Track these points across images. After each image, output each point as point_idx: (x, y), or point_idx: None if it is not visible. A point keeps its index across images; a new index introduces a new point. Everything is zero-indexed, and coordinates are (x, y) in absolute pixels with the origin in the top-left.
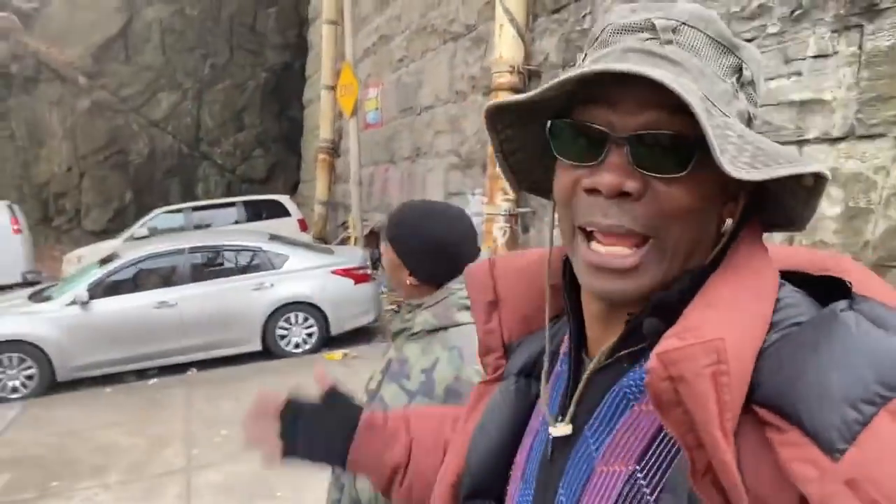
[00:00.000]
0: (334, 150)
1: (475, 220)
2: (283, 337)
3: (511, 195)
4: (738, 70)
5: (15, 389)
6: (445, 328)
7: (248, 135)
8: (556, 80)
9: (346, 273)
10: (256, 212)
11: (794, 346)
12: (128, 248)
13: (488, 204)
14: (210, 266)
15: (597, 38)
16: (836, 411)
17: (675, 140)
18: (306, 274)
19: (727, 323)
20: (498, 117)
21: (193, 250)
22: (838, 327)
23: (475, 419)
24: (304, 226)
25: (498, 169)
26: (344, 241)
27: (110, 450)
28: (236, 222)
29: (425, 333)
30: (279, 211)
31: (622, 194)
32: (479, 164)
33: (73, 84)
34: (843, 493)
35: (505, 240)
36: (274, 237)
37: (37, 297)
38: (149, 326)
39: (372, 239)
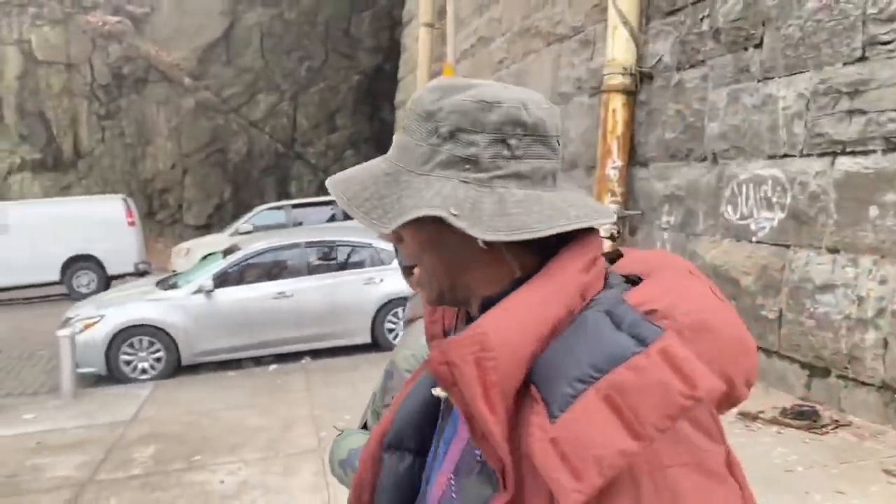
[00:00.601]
0: None
1: None
2: (391, 330)
3: (619, 197)
4: (435, 130)
5: (144, 371)
6: (412, 320)
7: (340, 136)
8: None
9: None
10: None
11: (561, 337)
12: (247, 241)
13: None
14: (325, 260)
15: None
16: (561, 387)
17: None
18: None
19: (505, 319)
20: None
21: (310, 245)
22: (582, 323)
23: (409, 388)
24: None
25: (607, 170)
26: None
27: (243, 429)
28: (332, 219)
29: (406, 323)
30: None
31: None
32: (582, 166)
33: (178, 85)
34: (547, 447)
35: (612, 242)
36: None
37: (164, 285)
38: (267, 316)
39: None
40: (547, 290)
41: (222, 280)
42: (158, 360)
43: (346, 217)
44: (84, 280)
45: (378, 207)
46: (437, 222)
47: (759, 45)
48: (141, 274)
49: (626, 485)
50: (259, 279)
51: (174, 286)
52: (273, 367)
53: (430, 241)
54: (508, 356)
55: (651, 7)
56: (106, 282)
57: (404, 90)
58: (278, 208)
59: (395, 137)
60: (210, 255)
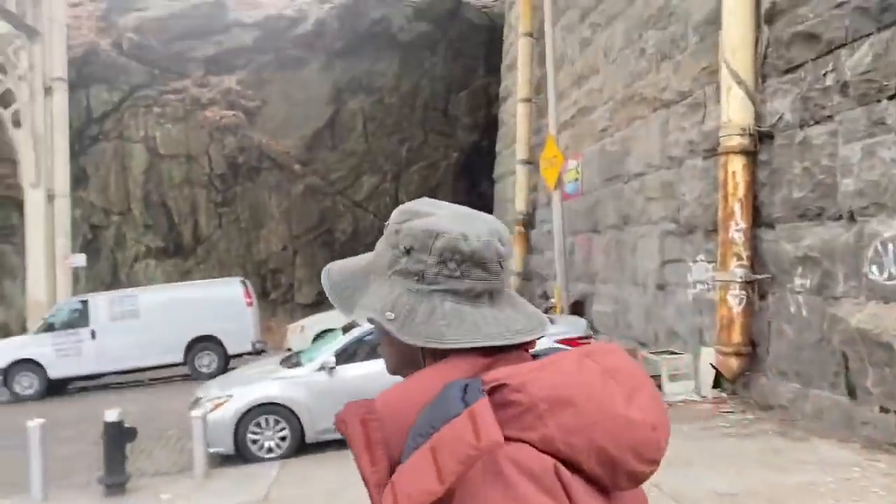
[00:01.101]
0: (529, 222)
1: (698, 288)
2: None
3: (745, 260)
4: (397, 245)
5: (270, 450)
6: None
7: None
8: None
9: (571, 343)
10: None
11: (428, 404)
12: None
13: (719, 270)
14: None
15: (474, 254)
16: (410, 441)
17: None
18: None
19: (395, 392)
20: None
21: None
22: (442, 393)
23: None
24: None
25: (731, 234)
26: (547, 311)
27: None
28: None
29: None
30: None
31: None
32: (700, 229)
33: (288, 171)
34: (388, 489)
35: (741, 308)
36: None
37: (288, 363)
38: None
39: (577, 308)
40: (435, 372)
41: (344, 357)
42: (284, 438)
43: None
44: (205, 360)
45: (347, 298)
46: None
47: (893, 97)
48: (258, 353)
49: None
50: (378, 355)
51: (298, 364)
52: None
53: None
54: (391, 418)
55: (766, 66)
56: (225, 361)
57: (502, 164)
58: None
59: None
60: (328, 331)
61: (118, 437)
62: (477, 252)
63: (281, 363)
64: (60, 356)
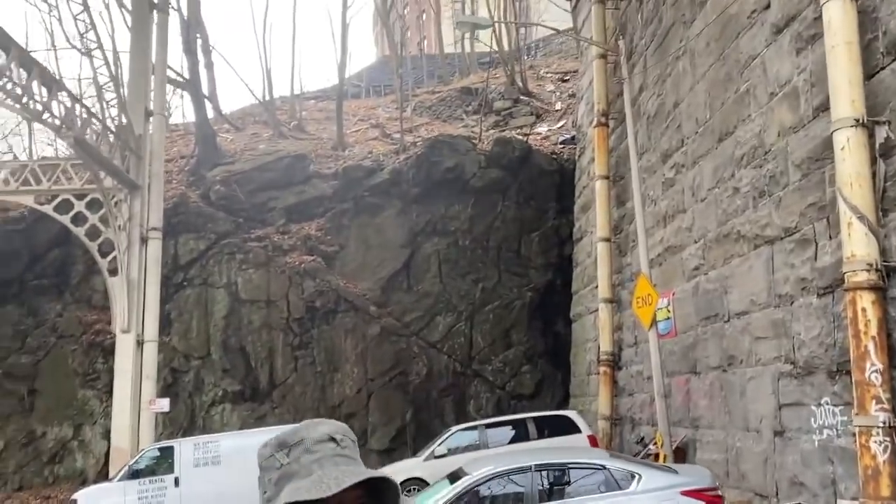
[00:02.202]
0: (615, 362)
1: (825, 434)
2: None
3: (886, 403)
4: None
5: None
6: None
7: (516, 352)
8: (326, 491)
9: (698, 495)
10: (546, 428)
11: None
12: (470, 465)
13: (857, 415)
14: (556, 485)
15: (298, 443)
16: None
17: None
18: (653, 495)
19: None
20: None
21: (539, 468)
22: None
23: None
24: (594, 442)
25: (867, 375)
26: (647, 458)
27: None
28: (516, 440)
29: None
30: (568, 427)
31: None
32: (822, 370)
33: (364, 313)
34: None
35: (886, 456)
36: (614, 455)
37: None
38: None
39: (679, 456)
40: None
41: None
42: None
43: (541, 435)
44: None
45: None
46: None
47: None
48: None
49: None
50: None
51: None
52: None
53: None
54: None
55: (886, 200)
56: None
57: (579, 303)
58: (472, 428)
59: (343, 451)
60: (410, 480)
61: None
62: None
63: None
64: None
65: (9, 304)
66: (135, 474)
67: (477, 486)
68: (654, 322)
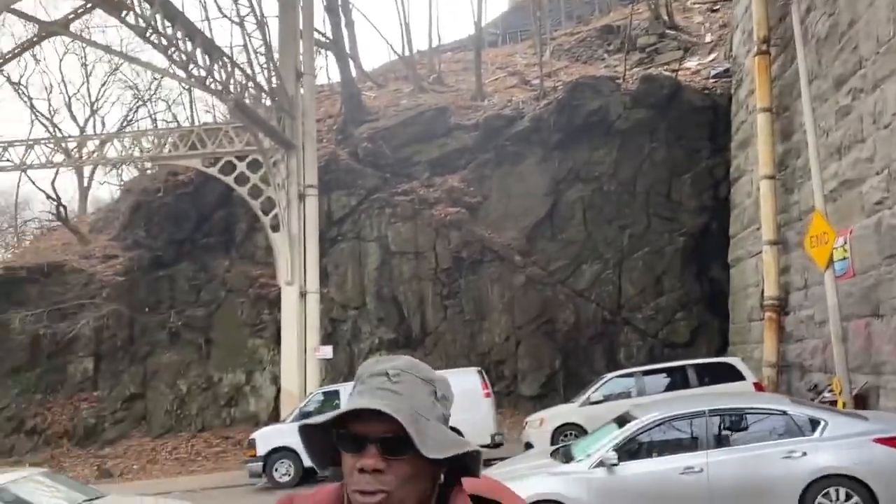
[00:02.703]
0: (781, 307)
1: None
2: None
3: None
4: (434, 392)
5: None
6: None
7: (668, 299)
8: (333, 413)
9: (894, 443)
10: (706, 375)
11: None
12: (638, 410)
13: None
14: (732, 430)
15: (358, 378)
16: None
17: (400, 440)
18: (842, 443)
19: None
20: (304, 428)
21: (714, 413)
22: None
23: None
24: (759, 390)
25: None
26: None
27: None
28: (672, 387)
29: None
30: (731, 374)
31: (375, 470)
32: None
33: (510, 263)
34: None
35: None
36: (795, 401)
37: (560, 457)
38: (677, 493)
39: (859, 403)
40: None
41: (626, 452)
42: None
43: (702, 382)
44: None
45: (420, 434)
46: (426, 460)
47: None
48: (497, 445)
49: None
50: (661, 452)
51: (571, 459)
52: None
53: (418, 473)
54: None
55: None
56: None
57: (739, 247)
58: (628, 375)
59: (384, 385)
60: (568, 425)
61: None
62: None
63: (552, 456)
64: None
65: (183, 262)
66: (305, 416)
67: (647, 429)
68: (830, 262)
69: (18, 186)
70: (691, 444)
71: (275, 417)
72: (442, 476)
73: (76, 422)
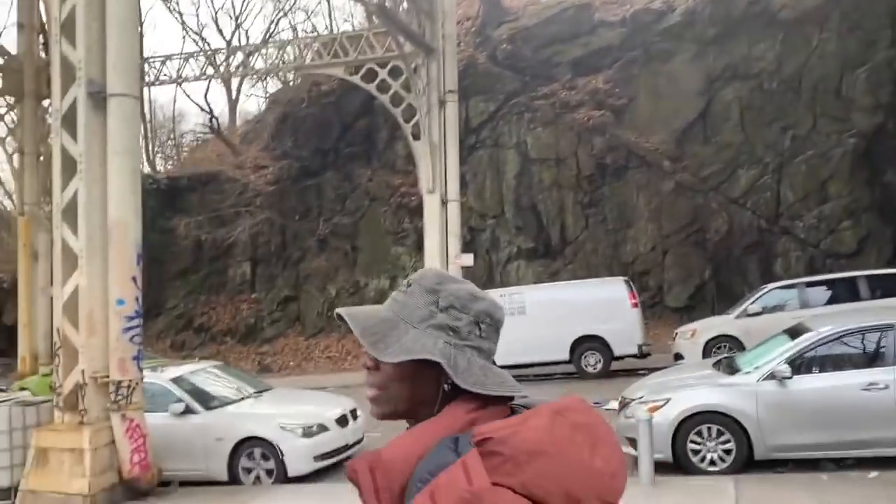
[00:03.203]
0: None
1: None
2: None
3: None
4: (436, 301)
5: (713, 462)
6: None
7: (834, 206)
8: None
9: None
10: (879, 288)
11: (426, 456)
12: (815, 322)
13: None
14: None
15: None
16: (412, 487)
17: None
18: None
19: (400, 441)
20: None
21: None
22: (437, 446)
23: None
24: None
25: None
26: None
27: None
28: (856, 299)
29: None
30: None
31: (368, 368)
32: None
33: (657, 168)
34: None
35: None
36: None
37: (724, 368)
38: (856, 410)
39: None
40: (434, 424)
41: (799, 365)
42: (728, 451)
43: (877, 295)
44: (591, 360)
45: (378, 342)
46: (418, 363)
47: None
48: (644, 356)
49: None
50: (839, 366)
51: (737, 371)
52: (874, 473)
53: (405, 375)
54: (395, 467)
55: None
56: (609, 362)
57: None
58: (789, 287)
59: (395, 295)
60: (721, 337)
61: None
62: (500, 319)
63: (714, 367)
64: None
65: (329, 171)
66: None
67: (825, 342)
68: None
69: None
70: (876, 359)
71: None
72: (446, 384)
73: (237, 321)
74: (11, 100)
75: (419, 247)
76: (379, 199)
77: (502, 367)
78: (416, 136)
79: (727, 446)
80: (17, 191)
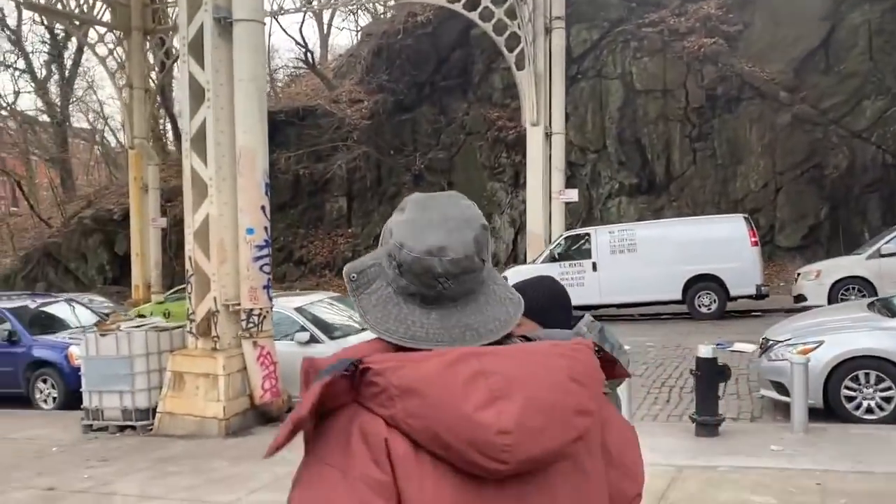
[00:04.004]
0: None
1: None
2: None
3: None
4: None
5: (870, 410)
6: None
7: None
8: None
9: None
10: None
11: None
12: None
13: None
14: None
15: None
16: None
17: None
18: None
19: (337, 352)
20: None
21: None
22: (336, 362)
23: None
24: None
25: None
26: None
27: None
28: None
29: None
30: None
31: None
32: None
33: (772, 100)
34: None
35: None
36: None
37: (876, 310)
38: None
39: None
40: (359, 346)
41: None
42: (887, 399)
43: None
44: (706, 300)
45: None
46: None
47: None
48: (761, 297)
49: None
50: None
51: (893, 314)
52: None
53: None
54: (315, 370)
55: None
56: (725, 303)
57: None
58: None
59: None
60: (847, 279)
61: (712, 374)
62: (405, 264)
63: (869, 309)
64: (565, 286)
65: (424, 105)
66: (554, 258)
67: None
68: None
69: (270, 35)
70: None
71: (513, 259)
72: None
73: (335, 254)
74: (119, 34)
75: (516, 182)
76: (475, 134)
77: (610, 305)
78: (520, 66)
79: (887, 394)
80: (127, 125)
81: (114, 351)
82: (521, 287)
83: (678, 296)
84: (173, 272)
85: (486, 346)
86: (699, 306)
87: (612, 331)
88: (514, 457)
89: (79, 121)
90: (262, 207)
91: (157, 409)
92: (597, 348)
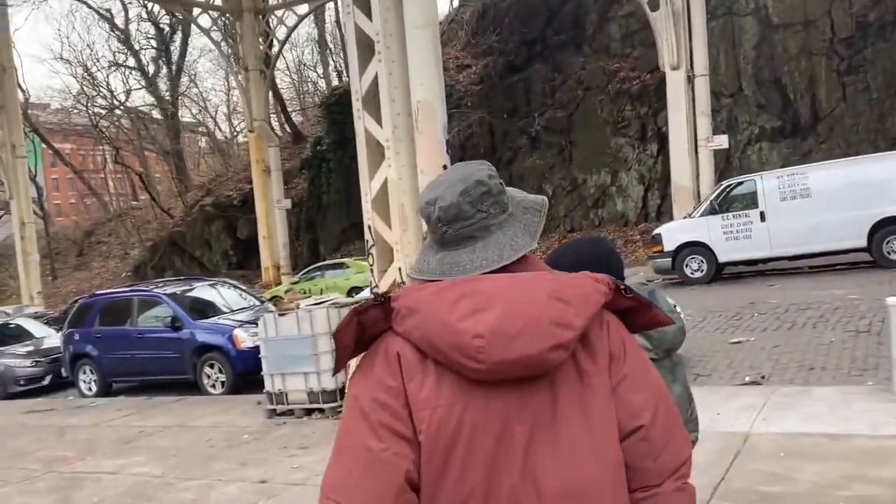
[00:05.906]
0: None
1: None
2: None
3: None
4: None
5: None
6: None
7: None
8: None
9: None
10: None
11: None
12: None
13: None
14: None
15: None
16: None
17: None
18: None
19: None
20: None
21: None
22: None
23: None
24: None
25: None
26: None
27: None
28: None
29: None
30: None
31: None
32: None
33: None
34: None
35: None
36: None
37: None
38: None
39: None
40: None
41: None
42: None
43: None
44: (895, 246)
45: None
46: None
47: None
48: None
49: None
50: None
51: None
52: None
53: None
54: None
55: None
56: None
57: None
58: None
59: None
60: None
61: None
62: (421, 216)
63: None
64: (730, 239)
65: (536, 63)
66: (714, 210)
67: None
68: None
69: None
70: None
71: (644, 217)
72: None
73: None
74: (229, 17)
75: (643, 136)
76: (594, 88)
77: (781, 258)
78: (654, 7)
79: None
80: (246, 108)
81: (295, 331)
82: (574, 244)
83: (863, 242)
84: (296, 253)
85: (484, 275)
86: (889, 252)
87: (663, 294)
88: (489, 357)
89: (183, 115)
90: (445, 167)
91: (346, 391)
92: (627, 290)
